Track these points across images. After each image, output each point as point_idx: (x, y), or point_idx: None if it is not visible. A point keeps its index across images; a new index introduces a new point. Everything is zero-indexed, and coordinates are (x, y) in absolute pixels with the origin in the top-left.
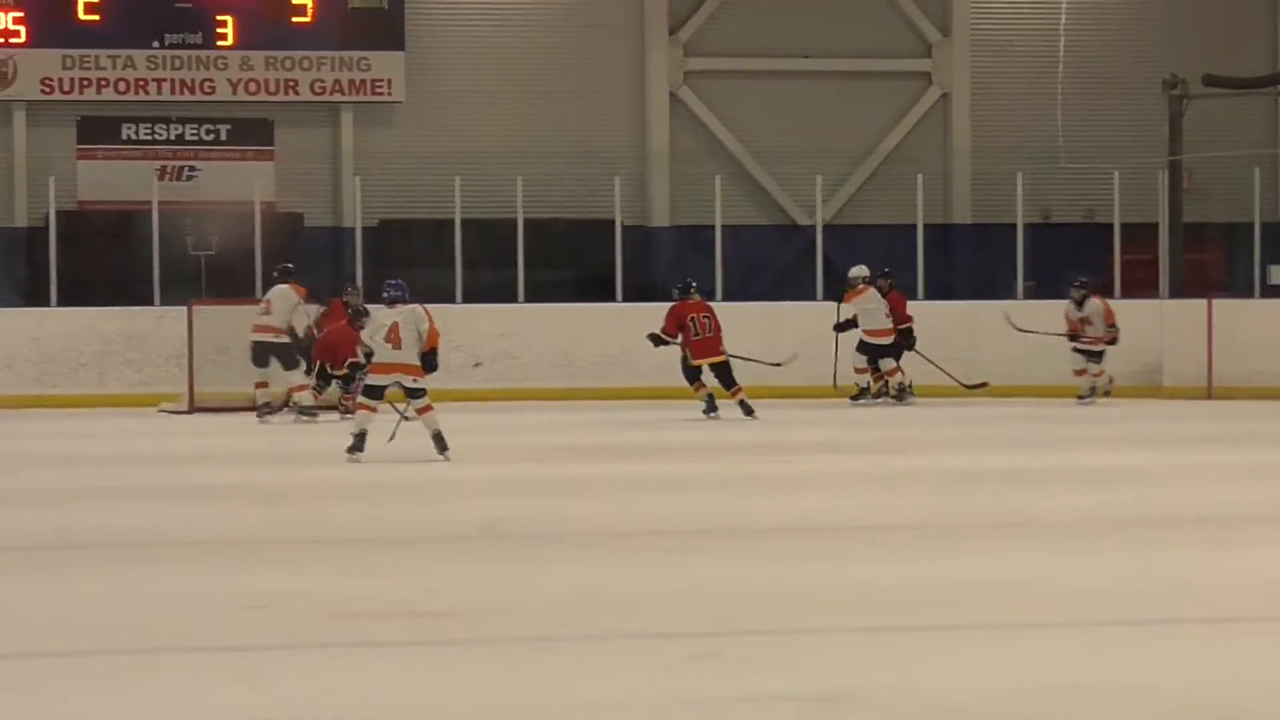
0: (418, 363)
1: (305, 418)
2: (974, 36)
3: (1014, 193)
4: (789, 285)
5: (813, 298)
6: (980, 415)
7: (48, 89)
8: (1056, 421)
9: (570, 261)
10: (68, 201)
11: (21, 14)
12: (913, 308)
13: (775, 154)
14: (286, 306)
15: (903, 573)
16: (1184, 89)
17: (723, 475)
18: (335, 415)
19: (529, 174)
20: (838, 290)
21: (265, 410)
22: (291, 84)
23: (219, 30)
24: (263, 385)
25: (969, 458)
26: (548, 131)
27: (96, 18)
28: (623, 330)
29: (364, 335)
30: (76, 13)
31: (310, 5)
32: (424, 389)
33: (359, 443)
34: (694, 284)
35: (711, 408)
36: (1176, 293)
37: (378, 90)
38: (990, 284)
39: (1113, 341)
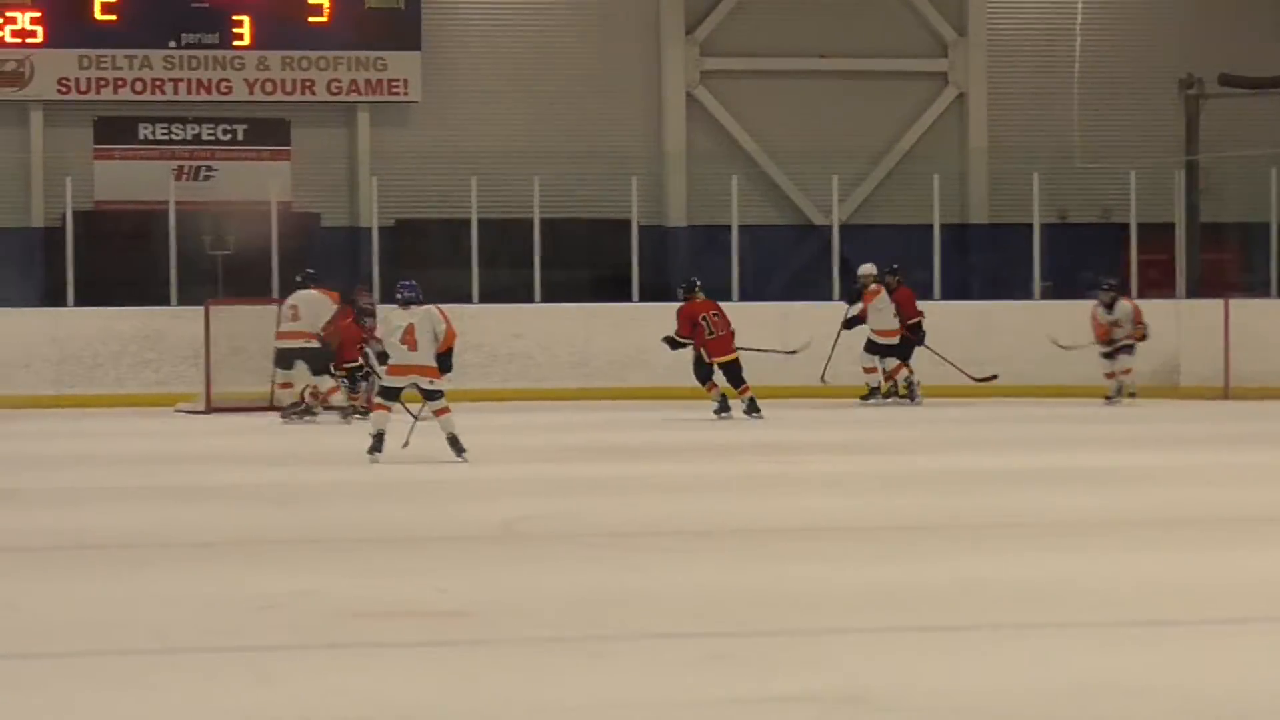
0: (434, 364)
1: (340, 418)
2: (990, 36)
3: (1030, 193)
4: (805, 285)
5: (829, 298)
6: (992, 415)
7: (65, 89)
8: (1071, 422)
9: (586, 261)
10: (85, 202)
11: (38, 14)
12: (929, 307)
13: (791, 154)
14: (318, 311)
15: (916, 573)
16: (1200, 88)
17: (736, 476)
18: (335, 416)
19: (545, 174)
20: (854, 290)
21: (291, 411)
22: (308, 84)
23: (235, 30)
24: (287, 386)
25: (980, 458)
26: (564, 131)
27: (113, 18)
28: (638, 330)
29: (380, 337)
30: (93, 13)
31: (327, 5)
32: (441, 390)
33: (377, 443)
34: (698, 283)
35: (724, 408)
36: (1193, 293)
37: (394, 90)
38: (1006, 284)
39: (1143, 337)
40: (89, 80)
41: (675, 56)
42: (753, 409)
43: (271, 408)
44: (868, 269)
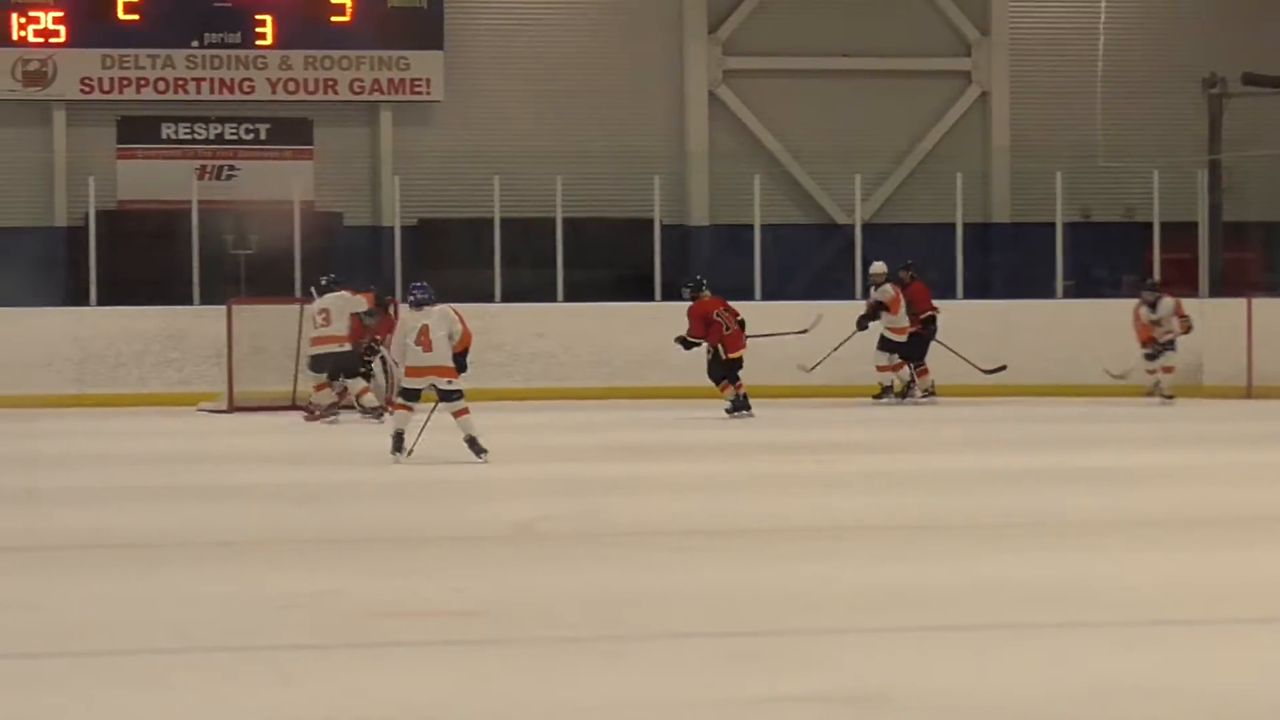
0: (451, 364)
1: (374, 419)
2: (1013, 35)
3: (1053, 192)
4: (828, 284)
5: (852, 297)
6: (1011, 414)
7: (87, 89)
8: (1092, 421)
9: (609, 261)
10: (108, 201)
11: (61, 14)
12: (951, 306)
13: (814, 153)
14: (349, 311)
15: (932, 573)
16: (1223, 87)
17: (753, 476)
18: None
19: (568, 173)
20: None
21: (328, 412)
22: (331, 83)
23: (258, 30)
24: (323, 387)
25: (999, 457)
26: (586, 131)
27: (136, 17)
28: (661, 330)
29: (394, 340)
30: (116, 12)
31: (349, 5)
32: (459, 391)
33: (398, 443)
34: (704, 280)
35: (743, 406)
36: (1216, 292)
37: (417, 90)
38: (1029, 283)
39: (1189, 329)
40: (112, 80)
41: (698, 56)
42: (742, 405)
43: (294, 407)
44: (879, 267)
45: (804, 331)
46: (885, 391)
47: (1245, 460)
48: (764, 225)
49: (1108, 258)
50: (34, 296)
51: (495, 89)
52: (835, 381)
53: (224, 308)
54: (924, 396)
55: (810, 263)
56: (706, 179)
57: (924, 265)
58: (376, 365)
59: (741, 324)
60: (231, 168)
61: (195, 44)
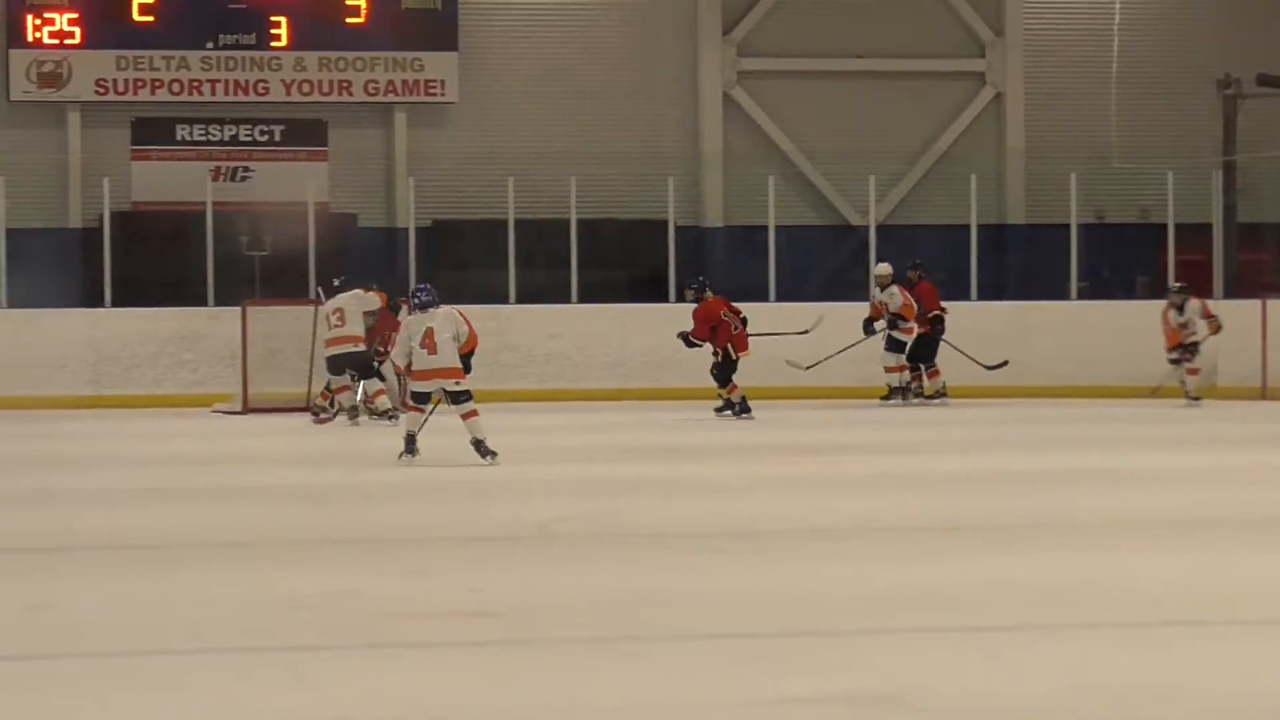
0: (458, 365)
1: (387, 421)
2: (1027, 36)
3: (1068, 193)
4: (842, 286)
5: (866, 298)
6: (1026, 416)
7: (102, 90)
8: (1107, 422)
9: (623, 262)
10: (122, 202)
11: (76, 15)
12: (966, 308)
13: (829, 154)
14: (363, 307)
15: (949, 574)
16: (1238, 88)
17: (769, 476)
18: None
19: (582, 174)
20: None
21: (354, 413)
22: (345, 85)
23: (273, 31)
24: (345, 389)
25: (1013, 458)
26: (601, 132)
27: (151, 19)
28: (675, 331)
29: (397, 343)
30: (131, 14)
31: (364, 6)
32: (468, 392)
33: (410, 445)
34: (707, 282)
35: (745, 409)
36: (1230, 293)
37: (431, 91)
38: (1043, 284)
39: (1218, 329)
40: (127, 81)
41: (712, 57)
42: (729, 408)
43: (308, 409)
44: (883, 268)
45: (804, 332)
46: (893, 392)
47: (1259, 461)
48: (778, 226)
49: (1122, 259)
50: (49, 298)
51: (510, 90)
52: (848, 383)
53: (238, 309)
54: (936, 398)
55: (824, 264)
56: (721, 180)
57: (938, 266)
58: (387, 367)
59: (744, 322)
60: (246, 169)
61: (210, 45)
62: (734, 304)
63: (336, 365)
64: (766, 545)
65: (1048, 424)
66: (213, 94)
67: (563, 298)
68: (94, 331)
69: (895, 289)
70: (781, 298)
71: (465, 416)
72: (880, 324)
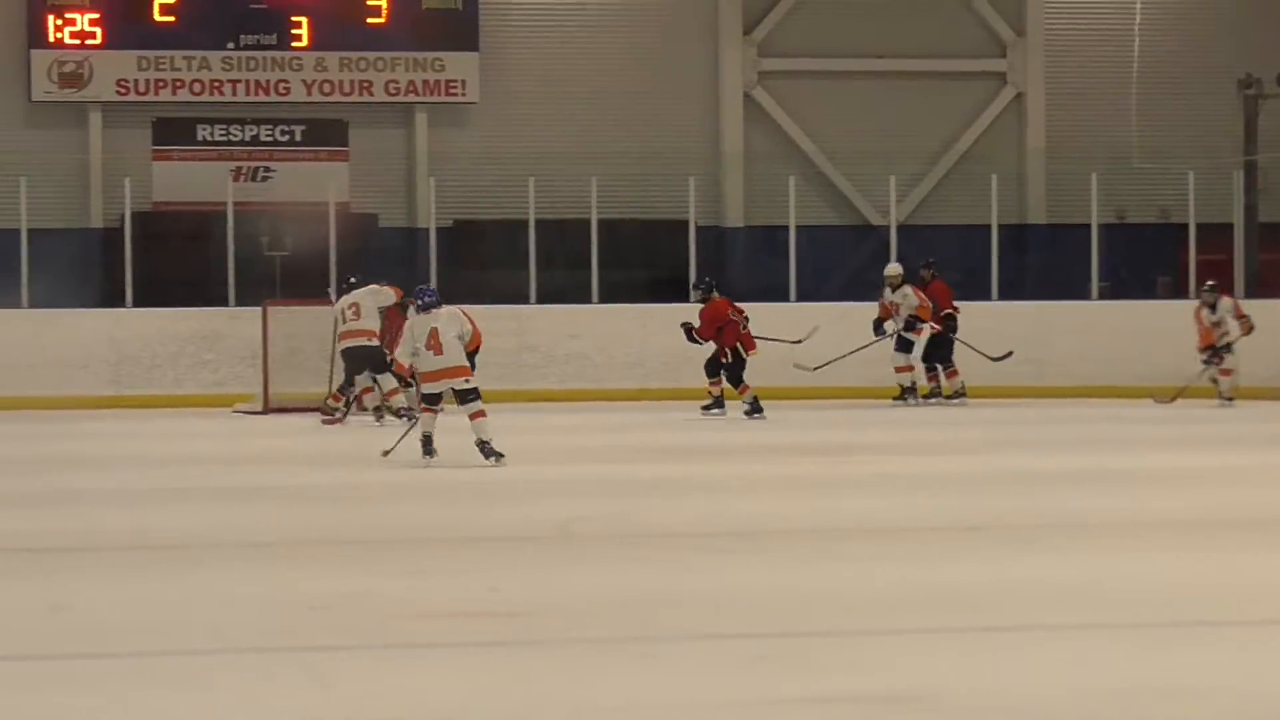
0: (465, 363)
1: (402, 419)
2: (1048, 36)
3: (1088, 193)
4: (863, 286)
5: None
6: (1043, 416)
7: (123, 90)
8: (1127, 423)
9: (643, 262)
10: (143, 203)
11: (97, 15)
12: (986, 308)
13: (849, 154)
14: (378, 302)
15: (962, 574)
16: (1259, 88)
17: (785, 477)
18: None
19: (603, 174)
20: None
21: (379, 413)
22: (366, 85)
23: (294, 31)
24: (369, 390)
25: (1030, 459)
26: (622, 132)
27: (172, 19)
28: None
29: (401, 343)
30: (152, 14)
31: (385, 6)
32: (476, 390)
33: (427, 446)
34: (714, 282)
35: (757, 409)
36: (1251, 293)
37: (452, 91)
38: (1064, 284)
39: (1251, 329)
40: (148, 81)
41: (733, 57)
42: (714, 407)
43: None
44: (894, 269)
45: (798, 342)
46: (905, 393)
47: (1274, 462)
48: (799, 227)
49: (1143, 259)
50: (70, 298)
51: (530, 90)
52: (862, 383)
53: (259, 309)
54: (955, 398)
55: (845, 264)
56: (741, 180)
57: (959, 266)
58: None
59: (746, 321)
60: (267, 169)
61: (231, 45)
62: (737, 304)
63: (352, 360)
64: (783, 546)
65: (1064, 424)
66: (234, 94)
67: (583, 298)
68: (115, 331)
69: (909, 289)
70: (802, 298)
71: (472, 417)
72: (890, 325)
